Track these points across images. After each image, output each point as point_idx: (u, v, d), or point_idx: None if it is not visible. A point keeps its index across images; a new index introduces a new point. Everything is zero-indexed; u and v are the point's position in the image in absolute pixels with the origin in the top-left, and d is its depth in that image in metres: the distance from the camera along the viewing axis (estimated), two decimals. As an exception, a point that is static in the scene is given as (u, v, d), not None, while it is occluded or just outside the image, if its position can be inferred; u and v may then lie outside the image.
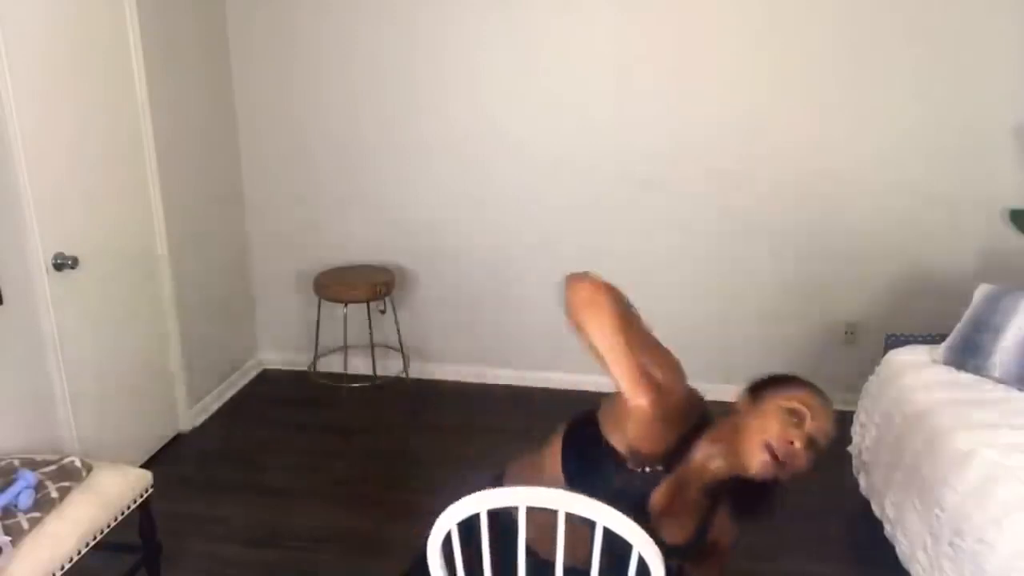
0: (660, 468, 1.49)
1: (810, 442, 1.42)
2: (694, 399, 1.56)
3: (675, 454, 1.49)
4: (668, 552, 1.43)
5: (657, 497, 1.50)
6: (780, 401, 1.45)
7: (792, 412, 1.43)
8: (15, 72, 2.39)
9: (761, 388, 1.52)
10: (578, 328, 1.43)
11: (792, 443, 1.41)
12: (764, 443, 1.41)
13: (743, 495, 1.56)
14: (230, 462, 3.26)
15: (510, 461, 1.72)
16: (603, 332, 1.40)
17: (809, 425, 1.42)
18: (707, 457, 1.50)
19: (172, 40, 3.22)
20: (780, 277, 3.58)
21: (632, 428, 1.45)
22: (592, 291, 1.45)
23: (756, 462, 1.42)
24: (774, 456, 1.41)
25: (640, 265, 3.60)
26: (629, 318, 1.45)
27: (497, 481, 1.53)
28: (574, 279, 1.49)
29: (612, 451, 1.48)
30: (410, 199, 3.76)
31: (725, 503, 1.60)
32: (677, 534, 1.53)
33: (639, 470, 1.47)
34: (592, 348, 1.41)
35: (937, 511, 2.17)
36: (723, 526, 1.62)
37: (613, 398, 1.50)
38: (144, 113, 3.03)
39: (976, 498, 2.06)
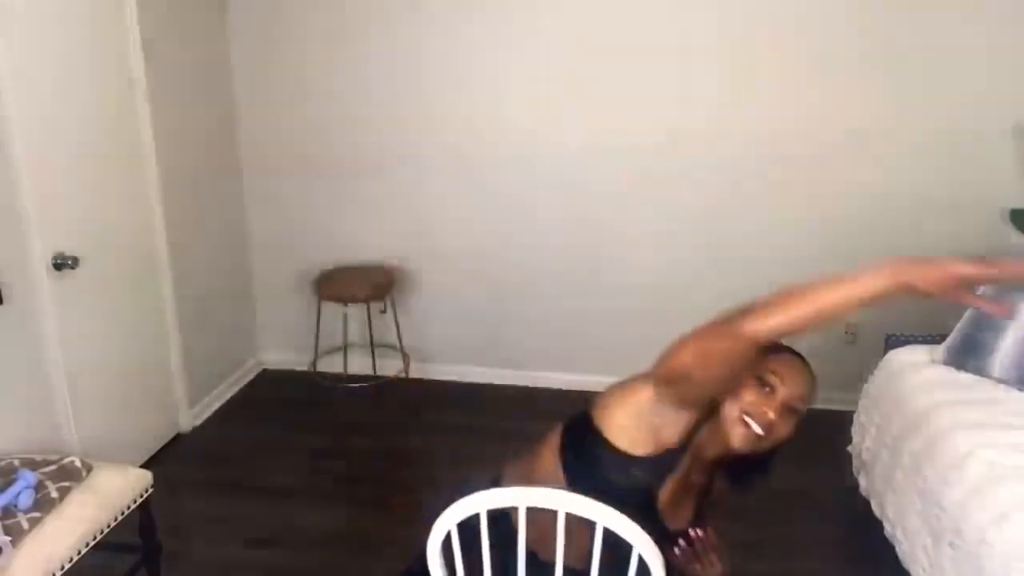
0: (667, 462, 1.47)
1: (786, 409, 1.42)
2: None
3: (680, 448, 1.48)
4: (669, 537, 1.43)
5: (665, 494, 1.49)
6: (754, 370, 1.43)
7: (762, 381, 1.42)
8: (15, 72, 2.39)
9: None
10: (807, 319, 1.27)
11: (765, 413, 1.40)
12: (741, 415, 1.41)
13: (737, 467, 1.57)
14: (230, 462, 3.26)
15: (507, 462, 1.71)
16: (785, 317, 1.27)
17: (782, 392, 1.41)
18: (702, 439, 1.50)
19: (173, 40, 3.22)
20: (780, 277, 3.56)
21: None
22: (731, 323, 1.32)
23: (736, 436, 1.42)
24: (751, 429, 1.40)
25: (641, 265, 3.60)
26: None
27: (494, 484, 1.53)
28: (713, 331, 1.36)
29: (611, 448, 1.46)
30: (410, 199, 3.76)
31: (720, 475, 1.60)
32: (681, 520, 1.53)
33: (636, 464, 1.46)
34: (805, 320, 1.26)
35: (937, 511, 2.17)
36: (719, 489, 1.63)
37: (612, 391, 1.50)
38: (144, 113, 3.03)
39: (976, 498, 2.06)
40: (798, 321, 1.25)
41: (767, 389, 1.42)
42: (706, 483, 1.58)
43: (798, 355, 1.49)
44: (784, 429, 1.43)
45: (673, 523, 1.50)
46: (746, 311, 1.29)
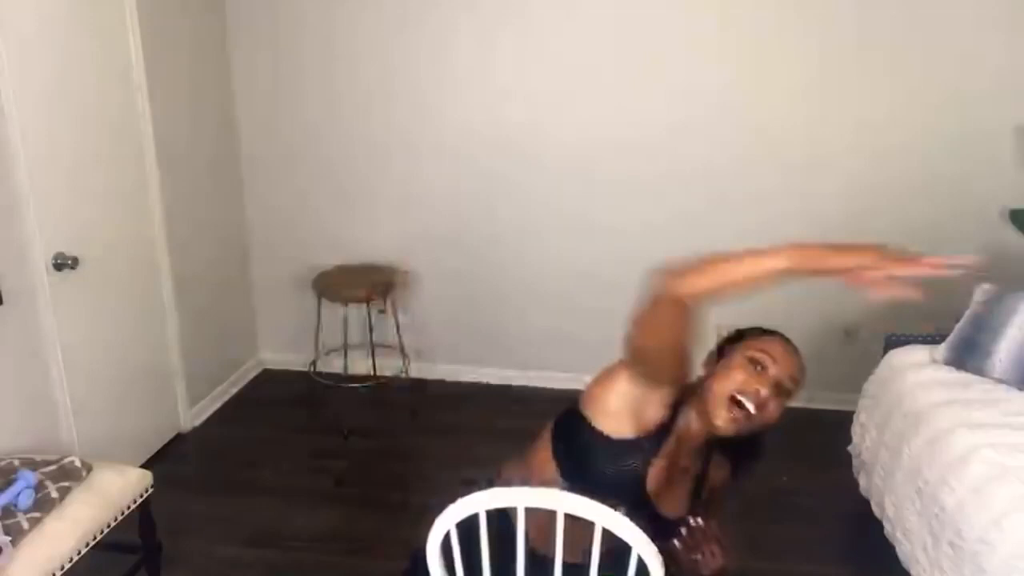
0: (650, 446, 1.48)
1: (777, 388, 1.43)
2: (688, 367, 1.51)
3: (663, 430, 1.49)
4: (668, 526, 1.43)
5: (652, 478, 1.49)
6: (743, 352, 1.45)
7: (754, 361, 1.43)
8: (15, 72, 2.39)
9: (722, 347, 1.53)
10: (701, 293, 1.28)
11: (758, 391, 1.41)
12: (730, 396, 1.42)
13: (728, 450, 1.58)
14: (230, 462, 3.26)
15: (504, 463, 1.71)
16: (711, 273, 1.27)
17: (773, 370, 1.43)
18: (687, 422, 1.51)
19: (172, 40, 3.22)
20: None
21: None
22: (667, 277, 1.33)
23: (722, 417, 1.42)
24: (742, 407, 1.41)
25: (643, 265, 3.60)
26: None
27: (491, 485, 1.53)
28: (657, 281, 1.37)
29: (600, 437, 1.47)
30: (411, 199, 3.76)
31: (715, 457, 1.60)
32: (676, 506, 1.53)
33: (629, 450, 1.46)
34: (735, 284, 1.26)
35: (937, 511, 2.17)
36: (715, 476, 1.62)
37: (595, 380, 1.52)
38: (144, 113, 3.03)
39: (976, 498, 2.06)
40: (714, 286, 1.26)
41: (758, 368, 1.43)
42: (700, 470, 1.58)
43: (787, 339, 1.51)
44: (774, 408, 1.43)
45: (667, 508, 1.51)
46: (670, 275, 1.30)
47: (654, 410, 1.47)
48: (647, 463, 1.48)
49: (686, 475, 1.56)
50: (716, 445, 1.56)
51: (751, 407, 1.41)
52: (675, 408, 1.50)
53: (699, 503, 1.59)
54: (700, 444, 1.53)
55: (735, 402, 1.42)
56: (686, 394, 1.52)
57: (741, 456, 1.61)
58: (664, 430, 1.48)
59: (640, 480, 1.48)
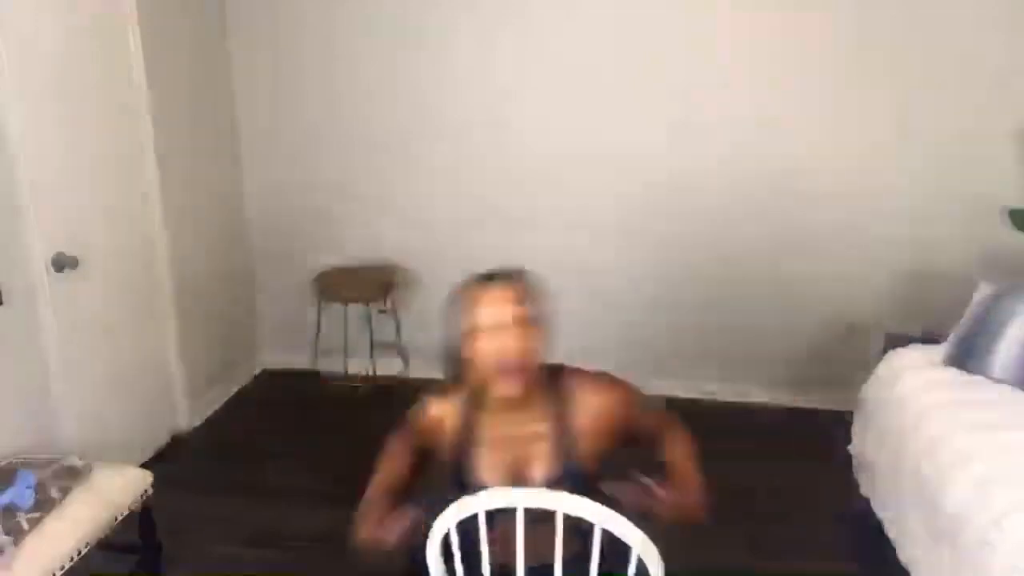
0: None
1: (499, 329, 1.45)
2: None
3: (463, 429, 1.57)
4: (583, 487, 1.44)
5: (494, 468, 1.55)
6: (468, 327, 1.48)
7: (478, 328, 1.47)
8: (15, 72, 2.39)
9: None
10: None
11: (506, 348, 1.44)
12: (493, 369, 1.45)
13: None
14: (230, 462, 3.26)
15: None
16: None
17: (499, 317, 1.45)
18: (478, 406, 1.57)
19: (172, 40, 3.22)
20: (780, 277, 3.57)
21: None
22: None
23: (504, 387, 1.46)
24: (505, 368, 1.44)
25: (642, 265, 3.60)
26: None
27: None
28: None
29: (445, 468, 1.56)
30: (411, 198, 3.76)
31: (563, 386, 1.58)
32: (548, 468, 1.52)
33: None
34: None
35: (937, 511, 2.17)
36: (582, 411, 1.56)
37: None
38: (144, 113, 3.03)
39: (976, 498, 2.06)
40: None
41: (488, 330, 1.45)
42: (550, 422, 1.54)
43: (485, 278, 1.55)
44: (529, 338, 1.45)
45: (539, 477, 1.52)
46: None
47: (448, 423, 1.58)
48: (477, 467, 1.54)
49: (536, 439, 1.53)
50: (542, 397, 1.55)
51: (514, 363, 1.44)
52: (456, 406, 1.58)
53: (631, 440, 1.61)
54: (512, 410, 1.53)
55: (501, 369, 1.44)
56: (450, 390, 1.60)
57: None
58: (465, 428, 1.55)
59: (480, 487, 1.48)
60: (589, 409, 1.56)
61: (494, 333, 1.45)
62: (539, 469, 1.53)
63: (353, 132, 3.70)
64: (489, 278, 1.53)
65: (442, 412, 1.63)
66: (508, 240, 3.73)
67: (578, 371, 1.61)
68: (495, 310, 1.46)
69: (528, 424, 1.54)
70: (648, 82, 3.43)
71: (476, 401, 1.56)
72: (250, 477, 3.14)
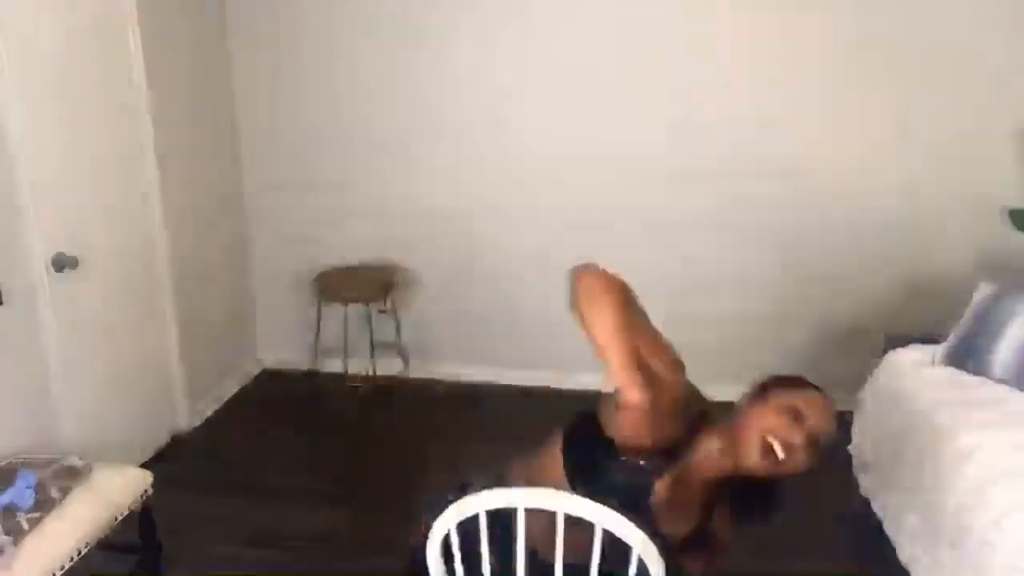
0: (659, 462, 1.48)
1: (810, 440, 1.43)
2: (693, 395, 1.56)
3: (675, 449, 1.49)
4: (668, 546, 1.43)
5: (659, 491, 1.50)
6: (782, 399, 1.46)
7: (793, 410, 1.44)
8: (15, 72, 2.39)
9: (765, 387, 1.53)
10: (580, 320, 1.42)
11: (792, 440, 1.41)
12: (764, 439, 1.43)
13: (743, 493, 1.56)
14: (230, 462, 3.26)
15: (513, 461, 1.71)
16: (604, 325, 1.38)
17: (810, 422, 1.43)
18: (708, 452, 1.50)
19: (172, 40, 3.22)
20: (781, 277, 3.58)
21: (623, 421, 1.44)
22: (597, 282, 1.44)
23: (755, 457, 1.43)
24: (773, 453, 1.41)
25: (641, 265, 3.59)
26: (632, 311, 1.44)
27: (499, 482, 1.53)
28: (580, 270, 1.47)
29: (613, 446, 1.47)
30: (411, 198, 3.76)
31: (726, 500, 1.59)
32: (679, 527, 1.53)
33: (638, 463, 1.47)
34: (592, 340, 1.40)
35: (937, 511, 2.17)
36: (723, 521, 1.62)
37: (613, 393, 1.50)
38: (144, 113, 3.03)
39: (976, 498, 2.06)
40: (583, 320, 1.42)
41: (795, 417, 1.43)
42: (708, 501, 1.56)
43: (824, 393, 1.51)
44: (802, 458, 1.44)
45: (671, 528, 1.50)
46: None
47: (671, 426, 1.47)
48: (658, 477, 1.48)
49: (694, 502, 1.55)
50: (731, 487, 1.55)
51: (780, 453, 1.41)
52: (692, 429, 1.51)
53: (702, 540, 1.58)
54: (714, 478, 1.52)
55: (767, 445, 1.42)
56: (707, 422, 1.53)
57: (754, 501, 1.59)
58: (677, 450, 1.49)
59: (648, 492, 1.48)
60: (720, 524, 1.61)
61: (796, 426, 1.42)
62: (680, 526, 1.54)
63: (353, 132, 3.70)
64: (827, 398, 1.50)
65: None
66: (508, 240, 3.73)
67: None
68: (816, 417, 1.44)
69: (695, 490, 1.54)
70: (648, 82, 3.43)
71: (705, 444, 1.52)
72: (250, 477, 3.14)
